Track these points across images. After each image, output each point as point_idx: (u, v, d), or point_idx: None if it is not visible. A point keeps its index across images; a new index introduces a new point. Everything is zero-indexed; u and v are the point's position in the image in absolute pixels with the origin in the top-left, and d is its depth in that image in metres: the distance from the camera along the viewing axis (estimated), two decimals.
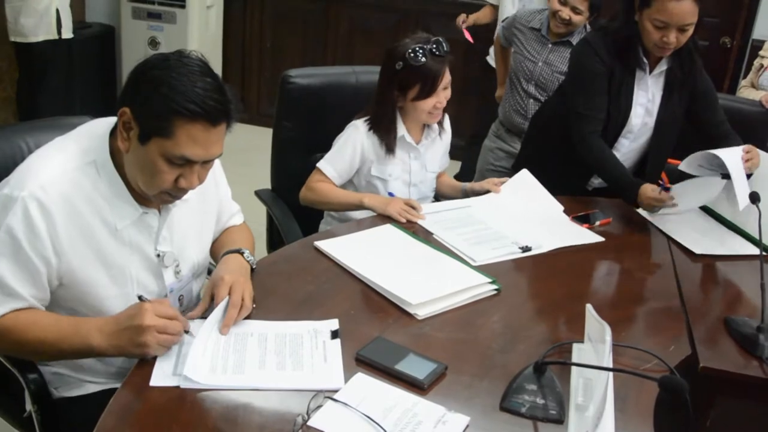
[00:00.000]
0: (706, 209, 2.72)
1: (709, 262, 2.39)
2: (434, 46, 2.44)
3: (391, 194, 2.56)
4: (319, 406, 1.48)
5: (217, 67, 1.80)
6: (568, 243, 2.38)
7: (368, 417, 1.45)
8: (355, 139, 2.57)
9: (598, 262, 2.35)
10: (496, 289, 2.01)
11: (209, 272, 2.07)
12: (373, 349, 1.67)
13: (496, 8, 4.49)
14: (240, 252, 1.91)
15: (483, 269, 2.08)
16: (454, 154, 2.95)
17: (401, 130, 2.58)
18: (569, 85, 2.84)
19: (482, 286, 2.00)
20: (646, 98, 2.71)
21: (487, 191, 2.67)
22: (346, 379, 1.57)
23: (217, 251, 2.00)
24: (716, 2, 4.94)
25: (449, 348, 1.75)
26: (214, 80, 1.62)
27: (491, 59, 4.42)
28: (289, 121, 2.89)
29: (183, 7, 5.62)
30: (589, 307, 1.67)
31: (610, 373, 1.47)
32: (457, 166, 4.80)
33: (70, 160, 1.68)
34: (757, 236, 2.31)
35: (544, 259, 2.27)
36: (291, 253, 2.20)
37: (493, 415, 1.54)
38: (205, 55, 1.68)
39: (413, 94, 2.48)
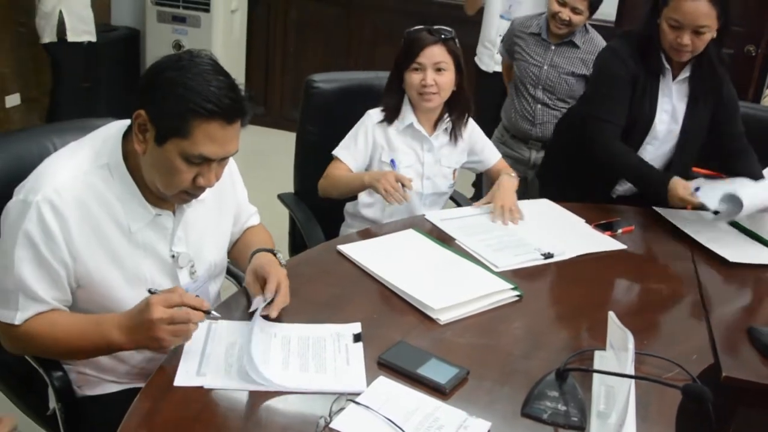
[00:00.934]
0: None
1: (731, 271, 2.38)
2: (435, 28, 2.50)
3: (393, 162, 2.57)
4: (341, 409, 1.48)
5: (240, 71, 1.81)
6: (590, 250, 2.38)
7: (390, 420, 1.46)
8: (366, 125, 2.61)
9: (621, 270, 2.34)
10: (518, 296, 2.01)
11: (228, 272, 2.09)
12: (395, 353, 1.67)
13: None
14: (272, 252, 1.92)
15: (505, 275, 2.09)
16: None
17: (410, 117, 2.58)
18: (592, 90, 2.83)
19: (504, 292, 2.00)
20: (671, 104, 2.70)
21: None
22: (368, 383, 1.58)
23: (240, 251, 2.02)
24: (741, 10, 4.90)
25: (471, 353, 1.75)
26: (226, 78, 1.63)
27: (481, 63, 4.39)
28: (312, 126, 2.90)
29: (207, 11, 5.65)
30: (611, 314, 1.67)
31: (633, 381, 1.47)
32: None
33: (83, 164, 1.69)
34: None
35: (566, 266, 2.27)
36: (314, 256, 2.21)
37: (514, 421, 1.55)
38: (228, 59, 1.70)
39: (402, 63, 2.52)
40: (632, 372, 1.48)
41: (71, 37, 4.78)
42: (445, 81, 2.50)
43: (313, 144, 2.89)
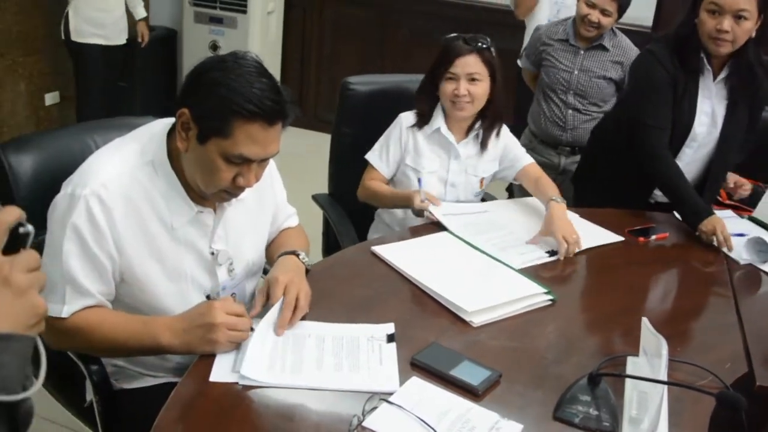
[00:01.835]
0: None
1: (766, 279, 2.36)
2: (471, 36, 2.50)
3: (420, 181, 2.55)
4: (374, 408, 1.49)
5: (275, 72, 1.83)
6: (591, 245, 2.37)
7: (422, 420, 1.47)
8: (398, 128, 2.62)
9: (654, 277, 2.34)
10: (551, 300, 2.02)
11: (265, 272, 2.11)
12: (428, 354, 1.69)
13: None
14: (296, 254, 1.94)
15: (539, 279, 2.09)
16: None
17: (439, 122, 2.58)
18: (634, 96, 2.80)
19: (538, 296, 2.01)
20: (710, 106, 2.68)
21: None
22: (401, 383, 1.59)
23: (272, 252, 2.03)
24: None
25: (504, 356, 1.76)
26: (270, 80, 1.65)
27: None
28: (347, 127, 2.93)
29: (244, 12, 5.69)
30: (645, 320, 1.67)
31: (666, 387, 1.47)
32: None
33: (129, 160, 1.72)
34: None
35: (600, 271, 2.27)
36: (348, 257, 2.23)
37: (546, 424, 1.55)
38: (264, 60, 1.71)
39: (437, 71, 2.52)
40: (665, 378, 1.48)
41: (75, 38, 4.77)
42: (479, 91, 2.49)
43: (348, 145, 2.92)
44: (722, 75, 2.66)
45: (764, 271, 2.40)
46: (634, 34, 3.56)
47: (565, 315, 1.99)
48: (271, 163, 1.91)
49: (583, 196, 3.09)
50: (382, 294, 1.99)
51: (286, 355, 1.64)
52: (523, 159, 2.73)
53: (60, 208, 1.68)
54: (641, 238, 2.51)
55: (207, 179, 1.69)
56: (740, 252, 2.45)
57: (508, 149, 2.72)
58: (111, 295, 1.76)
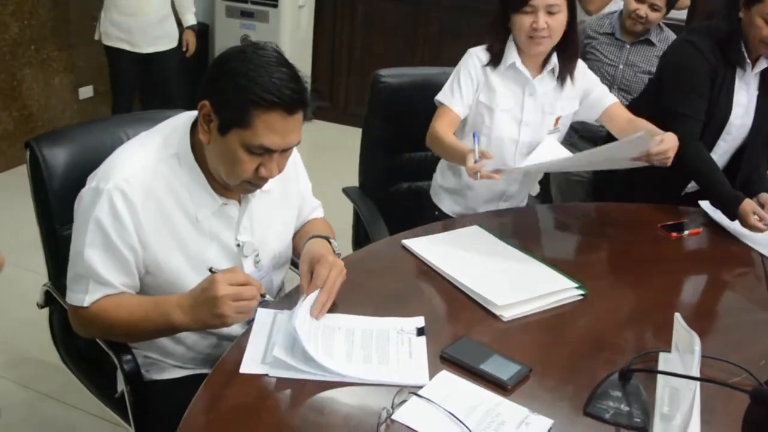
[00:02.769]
0: None
1: None
2: None
3: (475, 135, 2.37)
4: (404, 401, 1.49)
5: (306, 66, 1.82)
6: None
7: (452, 414, 1.46)
8: (467, 63, 2.49)
9: (687, 273, 2.31)
10: (582, 295, 2.00)
11: (293, 263, 2.11)
12: (458, 348, 1.68)
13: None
14: (326, 239, 1.94)
15: (570, 274, 2.07)
16: None
17: (513, 56, 2.44)
18: (670, 85, 2.75)
19: (568, 291, 1.99)
20: (746, 97, 2.66)
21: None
22: (431, 376, 1.59)
23: (299, 242, 2.03)
24: None
25: (534, 351, 1.75)
26: (289, 70, 1.64)
27: None
28: (378, 120, 2.91)
29: (275, 6, 5.71)
30: (677, 316, 1.65)
31: (698, 384, 1.45)
32: None
33: (152, 153, 1.73)
34: None
35: (631, 267, 2.25)
36: (378, 250, 2.23)
37: (576, 419, 1.54)
38: (295, 54, 1.72)
39: (511, 4, 2.36)
40: (698, 375, 1.46)
41: (104, 40, 4.64)
42: (557, 24, 2.34)
43: (379, 138, 2.91)
44: (760, 67, 2.63)
45: None
46: (670, 27, 3.51)
47: (596, 310, 1.98)
48: (296, 154, 1.91)
49: (611, 190, 3.05)
50: (412, 288, 1.99)
51: (317, 347, 1.64)
52: (608, 98, 2.60)
53: (84, 202, 1.71)
54: (674, 234, 2.48)
55: (229, 171, 1.69)
56: None
57: (590, 86, 2.58)
58: (135, 287, 1.77)
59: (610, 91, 3.36)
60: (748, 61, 2.61)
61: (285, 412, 1.50)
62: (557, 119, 2.56)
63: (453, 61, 2.58)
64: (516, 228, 2.45)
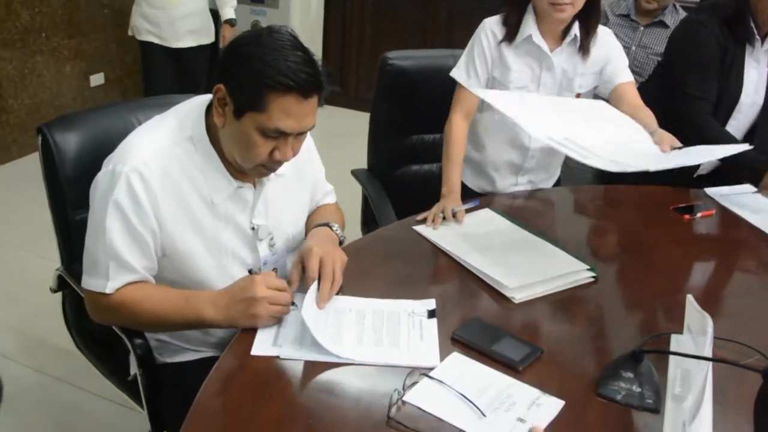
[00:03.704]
0: None
1: None
2: None
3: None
4: (415, 383, 1.49)
5: (317, 52, 1.81)
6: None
7: (463, 395, 1.47)
8: (481, 36, 2.38)
9: (699, 254, 2.30)
10: (593, 277, 1.99)
11: None
12: (469, 330, 1.68)
13: None
14: (329, 225, 1.95)
15: (581, 256, 2.07)
16: None
17: (530, 28, 2.32)
18: (679, 66, 2.74)
19: (579, 273, 1.99)
20: (757, 74, 2.65)
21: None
22: (442, 358, 1.59)
23: (308, 227, 2.04)
24: None
25: (545, 332, 1.75)
26: (304, 53, 1.64)
27: None
28: (386, 103, 2.90)
29: None
30: (689, 297, 1.65)
31: (710, 365, 1.45)
32: None
33: (168, 136, 1.73)
34: None
35: (643, 249, 2.24)
36: (389, 234, 2.23)
37: (588, 400, 1.53)
38: (305, 40, 1.70)
39: None
40: (710, 356, 1.46)
41: (134, 33, 4.64)
42: None
43: (387, 121, 2.91)
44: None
45: None
46: (685, 9, 3.49)
47: (607, 292, 1.97)
48: (309, 139, 1.91)
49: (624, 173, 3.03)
50: (423, 271, 1.99)
51: (327, 330, 1.65)
52: (620, 74, 2.44)
53: (101, 186, 1.71)
54: (686, 216, 2.47)
55: (244, 154, 1.69)
56: None
57: (609, 58, 2.43)
58: (154, 270, 1.77)
59: None
60: (758, 37, 2.59)
61: (296, 394, 1.51)
62: (577, 96, 2.46)
63: (463, 45, 2.56)
64: (527, 211, 2.45)
